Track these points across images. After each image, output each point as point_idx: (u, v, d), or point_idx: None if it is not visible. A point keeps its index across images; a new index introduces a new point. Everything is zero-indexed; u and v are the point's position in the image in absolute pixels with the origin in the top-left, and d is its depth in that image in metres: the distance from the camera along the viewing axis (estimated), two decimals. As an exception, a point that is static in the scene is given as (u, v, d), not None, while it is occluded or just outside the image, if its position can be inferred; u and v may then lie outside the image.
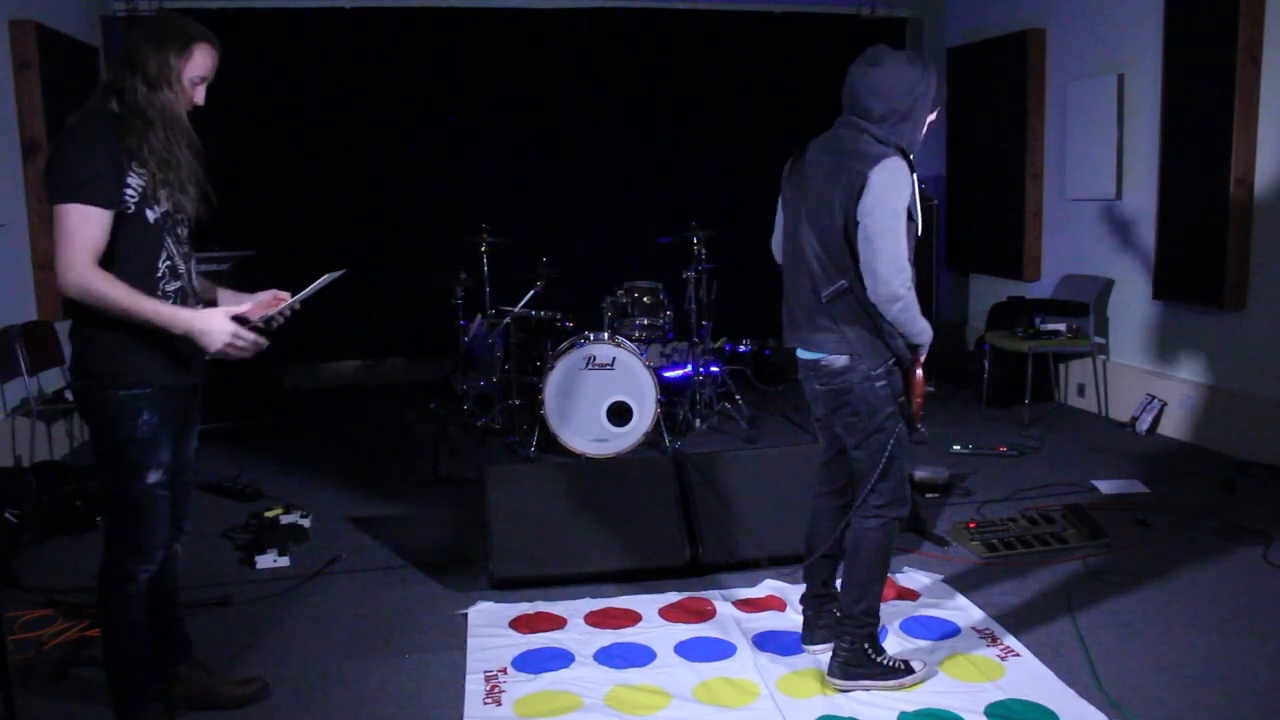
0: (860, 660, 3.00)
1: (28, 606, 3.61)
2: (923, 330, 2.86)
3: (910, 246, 2.83)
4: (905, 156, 2.82)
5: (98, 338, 2.52)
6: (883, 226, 2.73)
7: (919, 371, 2.93)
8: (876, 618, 3.04)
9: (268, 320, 2.74)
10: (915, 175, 2.85)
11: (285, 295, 2.74)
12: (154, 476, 2.59)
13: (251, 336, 2.57)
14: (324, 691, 3.06)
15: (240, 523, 4.49)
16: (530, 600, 3.67)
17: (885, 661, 3.01)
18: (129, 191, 2.47)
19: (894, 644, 3.27)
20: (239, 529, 4.42)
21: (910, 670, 3.01)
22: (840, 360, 2.89)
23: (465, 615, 3.55)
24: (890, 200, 2.73)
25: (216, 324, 2.52)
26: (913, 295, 2.80)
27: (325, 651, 3.32)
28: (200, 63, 2.57)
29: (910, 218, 2.81)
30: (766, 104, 7.77)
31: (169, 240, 2.58)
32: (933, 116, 2.93)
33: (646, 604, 3.63)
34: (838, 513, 3.14)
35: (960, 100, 7.46)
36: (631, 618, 3.54)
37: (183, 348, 2.58)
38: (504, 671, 3.16)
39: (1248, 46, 4.97)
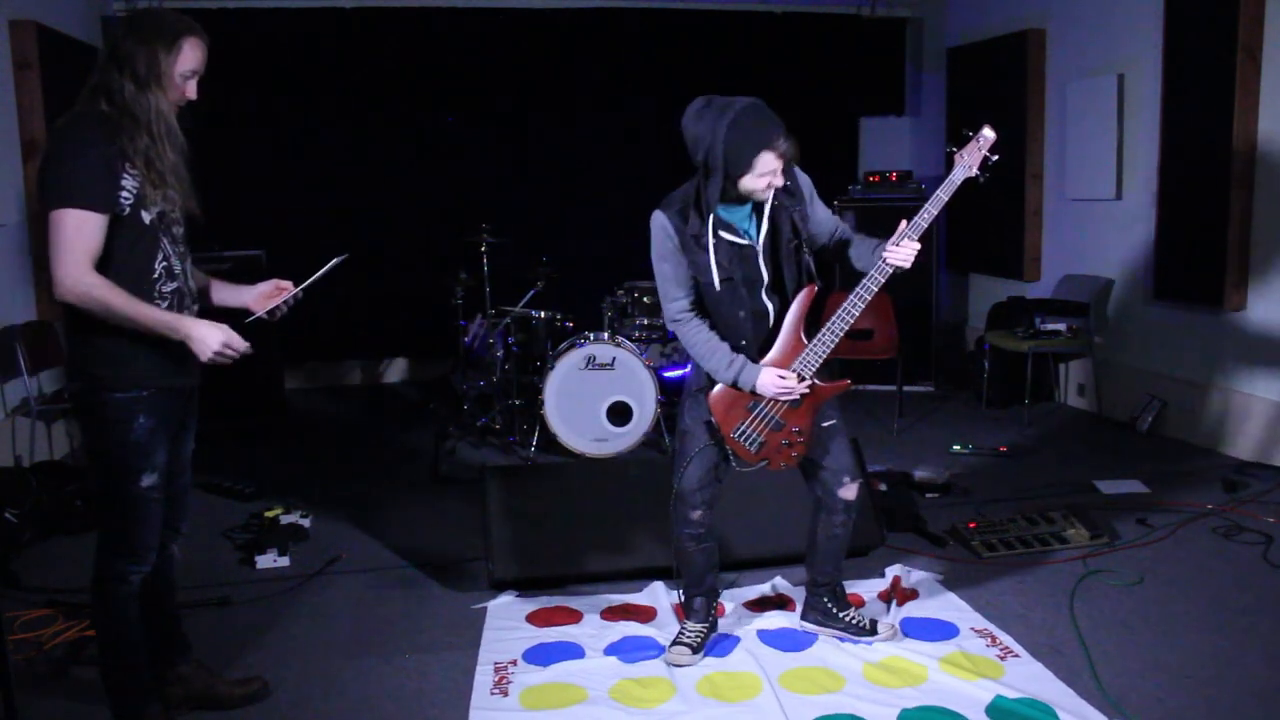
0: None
1: (28, 606, 3.61)
2: (713, 369, 2.94)
3: (723, 310, 2.94)
4: (701, 212, 2.89)
5: (93, 340, 2.50)
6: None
7: (711, 402, 2.99)
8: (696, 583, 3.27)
9: (271, 311, 2.74)
10: (702, 231, 2.89)
11: (287, 284, 2.74)
12: (148, 479, 2.58)
13: (243, 346, 2.54)
14: (324, 691, 3.06)
15: (240, 523, 4.49)
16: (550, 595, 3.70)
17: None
18: (123, 194, 2.45)
19: (894, 643, 3.28)
20: (239, 529, 4.42)
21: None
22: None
23: (485, 608, 3.59)
24: (652, 250, 2.98)
25: (208, 333, 2.49)
26: (691, 333, 2.94)
27: (325, 651, 3.32)
28: (190, 57, 2.53)
29: (700, 278, 2.90)
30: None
31: (165, 241, 2.56)
32: (756, 180, 2.84)
33: (663, 599, 3.65)
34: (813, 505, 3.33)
35: (960, 100, 7.45)
36: (648, 613, 3.56)
37: (178, 351, 2.58)
38: (514, 663, 3.19)
39: (1248, 46, 4.97)
